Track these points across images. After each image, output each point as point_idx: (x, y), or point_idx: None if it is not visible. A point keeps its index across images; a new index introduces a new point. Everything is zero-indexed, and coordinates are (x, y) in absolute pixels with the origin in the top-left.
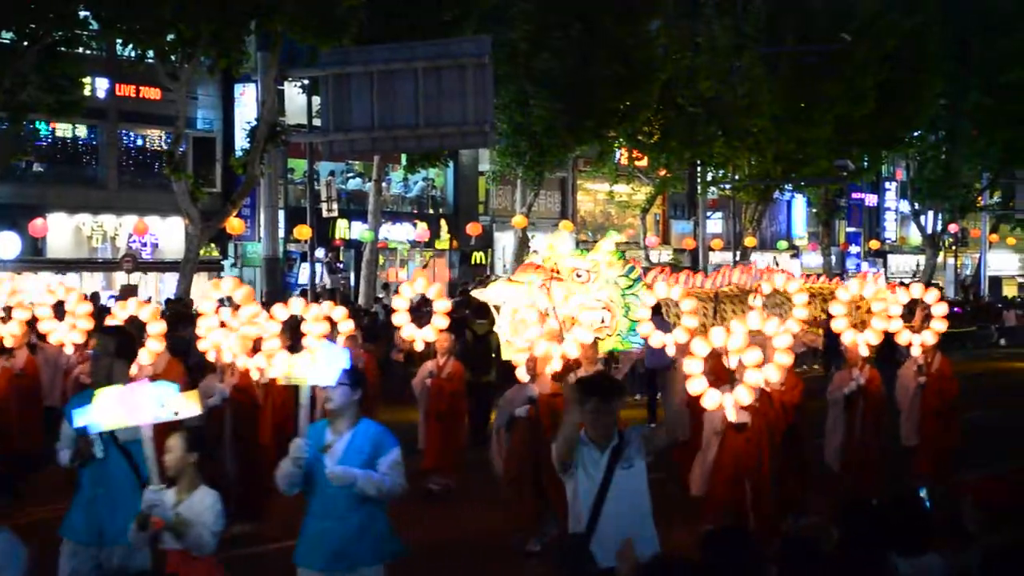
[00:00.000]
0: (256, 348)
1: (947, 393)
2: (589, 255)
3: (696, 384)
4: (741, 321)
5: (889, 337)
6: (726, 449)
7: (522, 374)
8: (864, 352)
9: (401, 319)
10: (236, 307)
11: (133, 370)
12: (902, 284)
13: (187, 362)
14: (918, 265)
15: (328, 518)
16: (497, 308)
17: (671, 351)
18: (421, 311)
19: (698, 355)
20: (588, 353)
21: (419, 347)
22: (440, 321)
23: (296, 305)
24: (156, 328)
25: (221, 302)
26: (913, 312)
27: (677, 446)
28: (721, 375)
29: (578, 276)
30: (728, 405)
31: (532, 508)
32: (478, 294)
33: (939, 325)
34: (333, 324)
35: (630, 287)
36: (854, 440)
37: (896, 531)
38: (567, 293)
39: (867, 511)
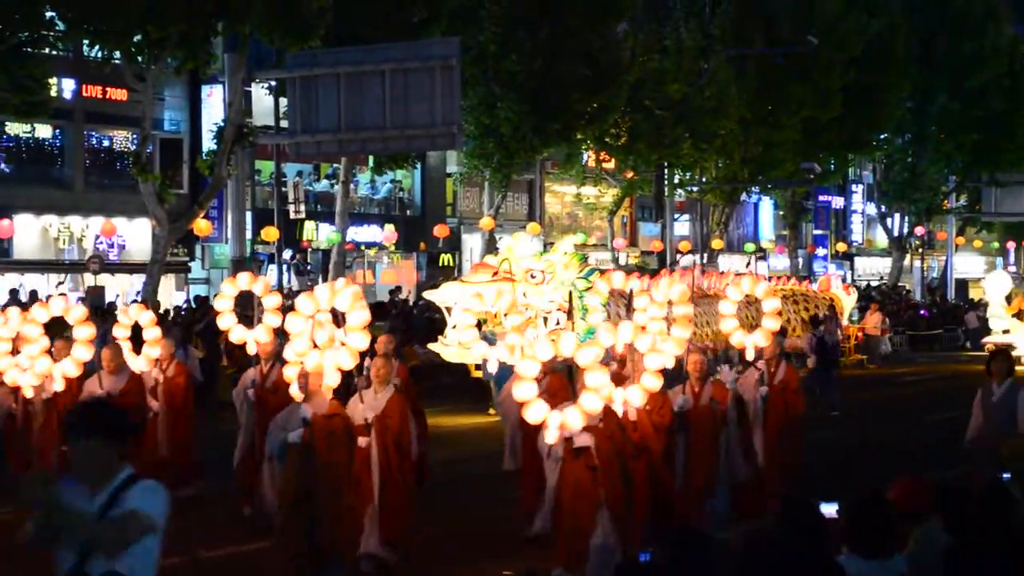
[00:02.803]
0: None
1: (792, 407)
2: (545, 256)
3: (530, 409)
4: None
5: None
6: (565, 478)
7: (295, 391)
8: (751, 355)
9: (227, 321)
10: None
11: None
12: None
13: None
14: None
15: None
16: (448, 309)
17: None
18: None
19: (527, 376)
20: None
21: (251, 350)
22: (272, 319)
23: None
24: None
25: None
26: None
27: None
28: (560, 394)
29: (532, 277)
30: (552, 426)
31: (302, 543)
32: (429, 295)
33: (771, 323)
34: (138, 331)
35: (588, 290)
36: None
37: (861, 533)
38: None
39: (810, 511)
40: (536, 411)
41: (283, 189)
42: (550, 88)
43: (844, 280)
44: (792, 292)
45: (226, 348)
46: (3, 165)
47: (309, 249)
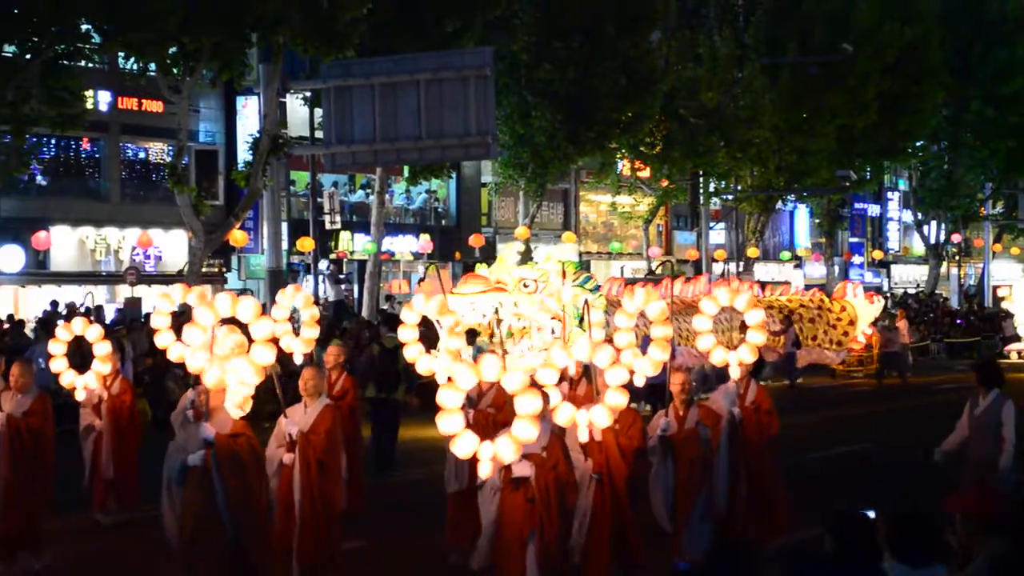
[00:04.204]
0: None
1: (766, 430)
2: (539, 265)
3: (458, 442)
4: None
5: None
6: (504, 509)
7: (191, 413)
8: (735, 374)
9: (165, 339)
10: None
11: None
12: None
13: None
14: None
15: None
16: (439, 321)
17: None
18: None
19: (450, 406)
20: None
21: (298, 360)
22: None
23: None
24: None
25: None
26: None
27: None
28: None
29: (525, 286)
30: (484, 457)
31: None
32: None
33: (757, 337)
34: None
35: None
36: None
37: (903, 541)
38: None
39: (860, 521)
40: (464, 444)
41: (318, 200)
42: (584, 97)
43: (879, 289)
44: (788, 301)
45: None
46: (40, 177)
47: (344, 259)
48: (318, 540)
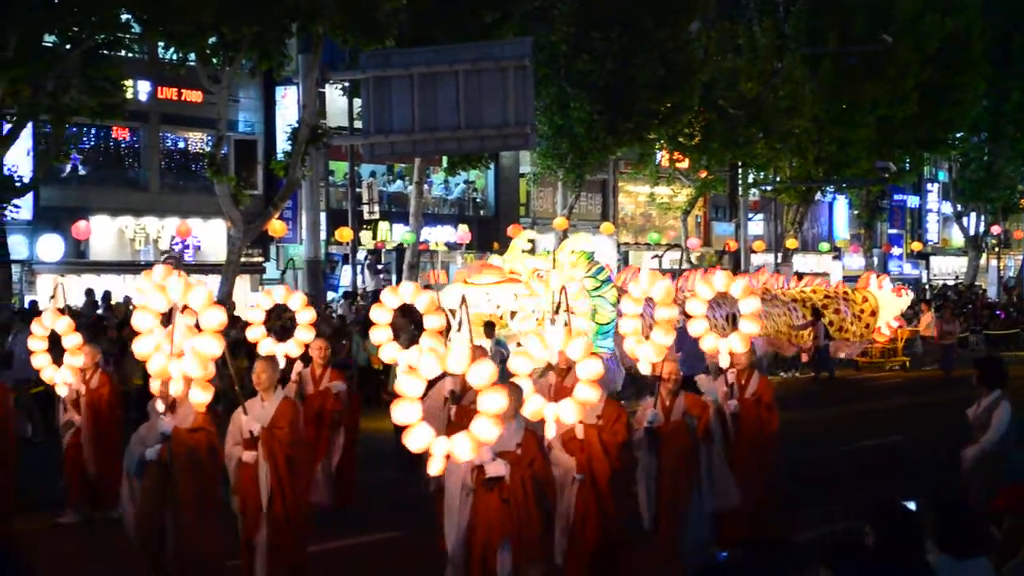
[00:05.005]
0: None
1: (766, 425)
2: (552, 255)
3: (411, 435)
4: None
5: None
6: (477, 511)
7: (159, 404)
8: (724, 362)
9: (256, 333)
10: None
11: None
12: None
13: None
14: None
15: None
16: (453, 311)
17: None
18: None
19: (409, 394)
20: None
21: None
22: (304, 334)
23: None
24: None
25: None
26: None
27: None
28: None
29: (540, 276)
30: (437, 454)
31: (158, 568)
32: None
33: (750, 327)
34: (57, 338)
35: (597, 289)
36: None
37: (948, 532)
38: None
39: (904, 514)
40: (417, 437)
41: (357, 190)
42: (623, 87)
43: (918, 281)
44: (814, 292)
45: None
46: (80, 167)
47: (383, 250)
48: (294, 539)
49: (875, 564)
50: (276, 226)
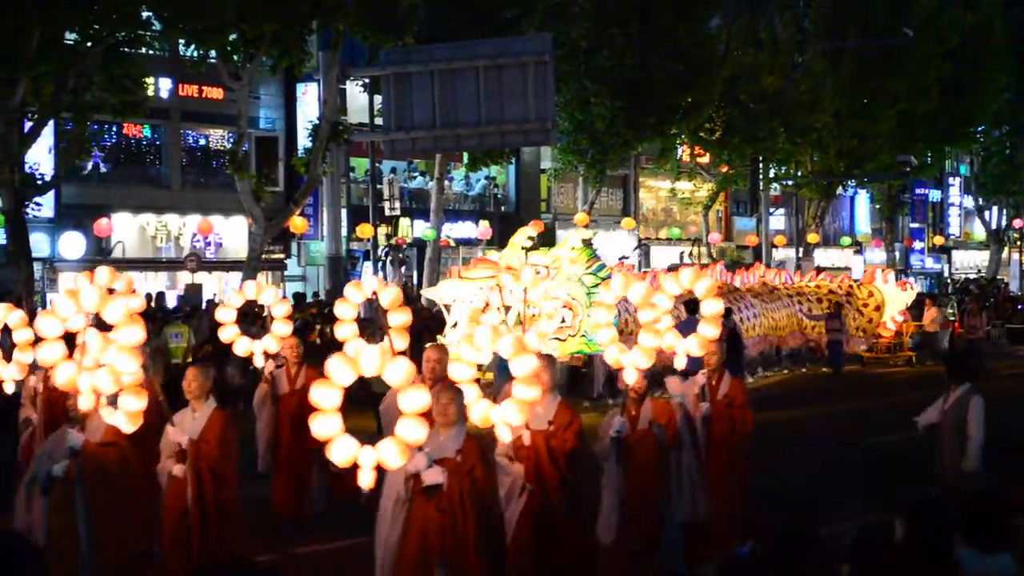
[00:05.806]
0: None
1: (739, 426)
2: (551, 251)
3: (334, 447)
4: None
5: None
6: (412, 522)
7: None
8: (680, 364)
9: (229, 333)
10: None
11: None
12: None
13: None
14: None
15: None
16: (447, 307)
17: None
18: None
19: (325, 405)
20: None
21: (259, 362)
22: (282, 328)
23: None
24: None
25: None
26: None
27: None
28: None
29: (537, 272)
30: (365, 465)
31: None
32: (428, 292)
33: (709, 330)
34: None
35: (597, 286)
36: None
37: (975, 526)
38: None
39: (934, 507)
40: (341, 449)
41: (378, 186)
42: (643, 83)
43: (940, 275)
44: (817, 287)
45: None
46: (101, 164)
47: (404, 245)
48: (217, 549)
49: (905, 558)
50: (297, 223)
